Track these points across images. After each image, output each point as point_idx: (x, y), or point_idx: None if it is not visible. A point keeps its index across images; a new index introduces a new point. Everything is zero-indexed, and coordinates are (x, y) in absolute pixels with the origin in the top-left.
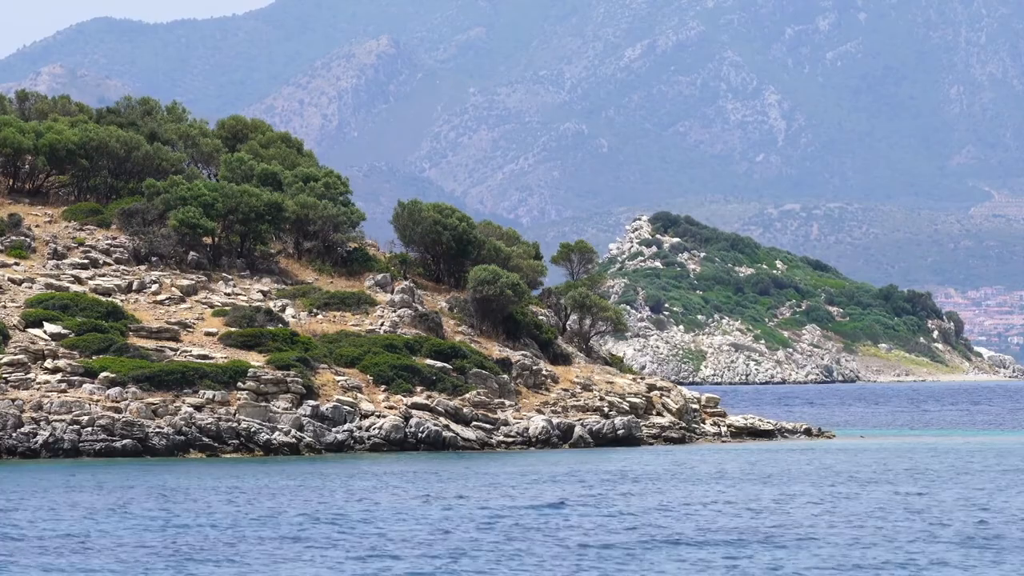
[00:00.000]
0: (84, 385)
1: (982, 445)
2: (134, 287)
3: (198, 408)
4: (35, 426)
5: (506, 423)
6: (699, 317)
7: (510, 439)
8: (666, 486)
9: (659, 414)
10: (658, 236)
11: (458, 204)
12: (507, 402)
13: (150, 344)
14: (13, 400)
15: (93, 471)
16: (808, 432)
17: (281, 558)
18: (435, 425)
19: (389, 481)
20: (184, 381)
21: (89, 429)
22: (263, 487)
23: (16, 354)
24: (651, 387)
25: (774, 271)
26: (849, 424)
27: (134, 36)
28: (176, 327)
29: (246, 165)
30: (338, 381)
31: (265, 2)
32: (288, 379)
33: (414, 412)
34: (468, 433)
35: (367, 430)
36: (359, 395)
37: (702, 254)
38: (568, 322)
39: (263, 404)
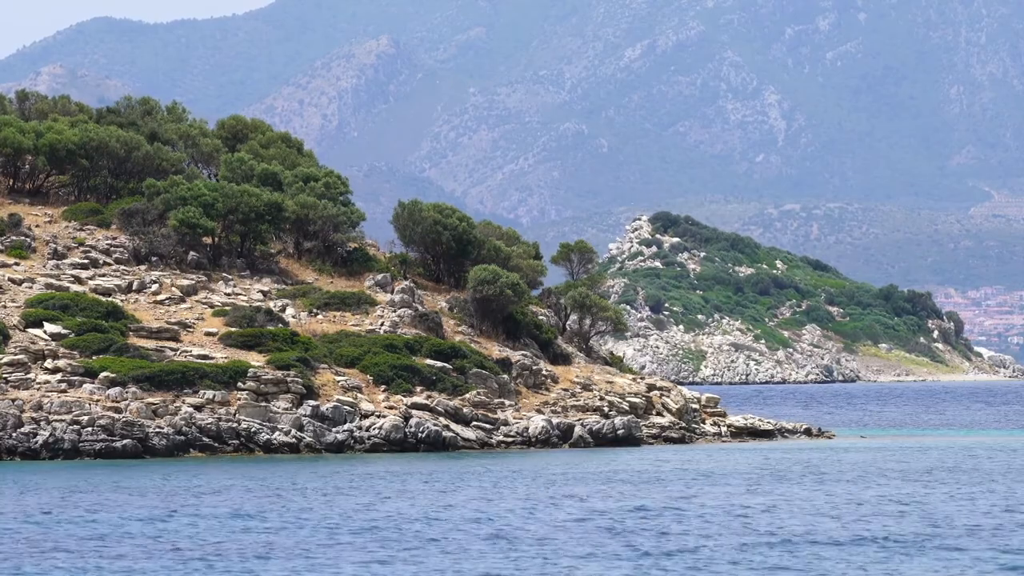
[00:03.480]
0: (84, 385)
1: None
2: (134, 287)
3: (198, 408)
4: (35, 426)
5: (506, 423)
6: (699, 317)
7: (510, 439)
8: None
9: (659, 414)
10: (658, 236)
11: (458, 204)
12: (507, 402)
13: (150, 344)
14: (13, 400)
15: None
16: (808, 432)
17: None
18: (435, 425)
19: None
20: (184, 381)
21: (89, 429)
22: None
23: (16, 354)
24: (651, 387)
25: (774, 271)
26: (844, 424)
27: (134, 36)
28: (176, 327)
29: (246, 165)
30: (338, 381)
31: (265, 2)
32: (288, 379)
33: (414, 412)
34: (468, 433)
35: (367, 430)
36: (359, 395)
37: (702, 254)
38: (568, 322)
39: (263, 404)
